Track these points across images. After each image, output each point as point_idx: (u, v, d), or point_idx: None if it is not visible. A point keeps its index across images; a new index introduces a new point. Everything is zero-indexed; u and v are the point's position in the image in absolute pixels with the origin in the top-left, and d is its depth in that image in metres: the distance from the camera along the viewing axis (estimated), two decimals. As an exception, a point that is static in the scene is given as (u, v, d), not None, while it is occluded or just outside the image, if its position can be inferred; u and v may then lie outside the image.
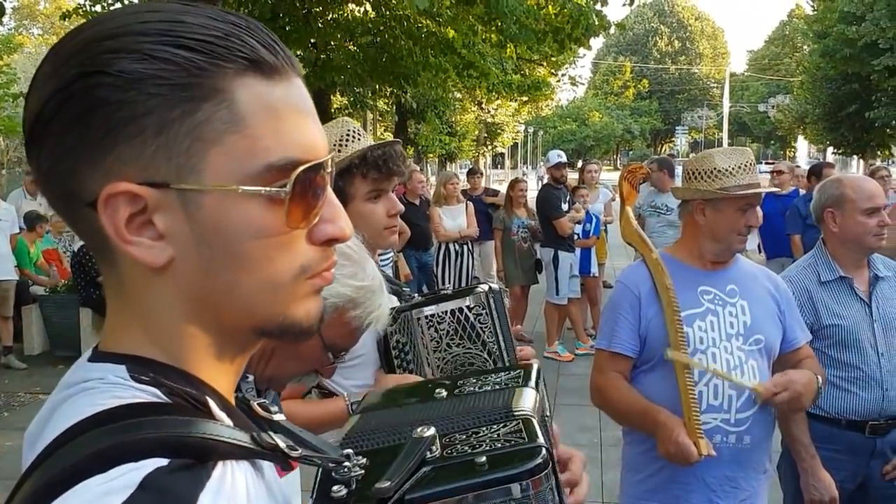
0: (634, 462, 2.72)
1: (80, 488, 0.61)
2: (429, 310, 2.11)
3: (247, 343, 0.80)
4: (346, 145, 2.17)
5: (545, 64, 20.20)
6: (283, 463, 0.81)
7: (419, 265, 8.86)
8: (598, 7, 11.43)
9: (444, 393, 1.30)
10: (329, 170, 0.76)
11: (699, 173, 2.62)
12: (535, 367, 1.43)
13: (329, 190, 0.77)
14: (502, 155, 59.15)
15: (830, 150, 40.20)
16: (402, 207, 2.29)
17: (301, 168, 0.71)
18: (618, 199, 2.74)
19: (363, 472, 0.98)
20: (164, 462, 0.64)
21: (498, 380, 1.36)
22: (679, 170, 7.70)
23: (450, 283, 8.78)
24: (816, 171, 8.63)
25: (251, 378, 0.95)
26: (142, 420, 0.67)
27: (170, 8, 0.71)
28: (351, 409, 2.06)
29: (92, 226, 0.71)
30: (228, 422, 0.75)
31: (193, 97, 0.68)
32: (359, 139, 2.20)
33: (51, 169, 0.71)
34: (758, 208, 2.63)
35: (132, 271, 0.73)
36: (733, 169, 2.57)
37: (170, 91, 0.67)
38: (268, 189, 0.70)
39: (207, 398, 0.75)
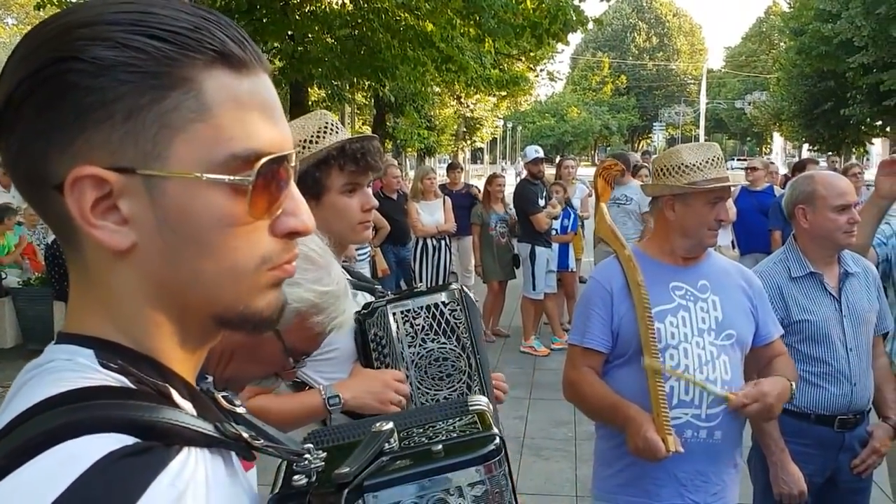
0: (606, 456, 2.74)
1: (46, 456, 0.63)
2: (403, 305, 2.12)
3: (208, 333, 0.81)
4: (324, 137, 2.15)
5: (524, 59, 20.26)
6: (246, 453, 0.83)
7: (397, 260, 8.85)
8: (575, 2, 11.47)
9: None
10: (293, 164, 0.78)
11: (667, 169, 2.63)
12: (488, 412, 1.34)
13: (293, 184, 0.78)
14: (481, 150, 59.23)
15: (806, 146, 40.62)
16: (376, 203, 2.28)
17: (265, 159, 0.73)
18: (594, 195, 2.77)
19: (323, 464, 1.00)
20: (130, 441, 0.66)
21: (451, 426, 1.27)
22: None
23: (427, 277, 8.77)
24: (800, 168, 8.70)
25: (210, 379, 0.95)
26: (106, 402, 0.68)
27: (143, 0, 0.73)
28: (328, 403, 2.06)
29: (58, 209, 0.72)
30: (192, 411, 0.76)
31: (162, 85, 0.70)
32: (336, 132, 2.19)
33: (20, 152, 0.72)
34: (729, 203, 2.65)
35: (96, 255, 0.74)
36: (701, 164, 2.59)
37: (140, 79, 0.69)
38: (231, 178, 0.72)
39: (170, 387, 0.76)
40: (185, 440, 0.71)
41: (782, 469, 2.87)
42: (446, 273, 8.95)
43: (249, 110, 0.74)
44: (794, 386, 2.59)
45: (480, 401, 1.26)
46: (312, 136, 2.14)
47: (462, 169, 12.89)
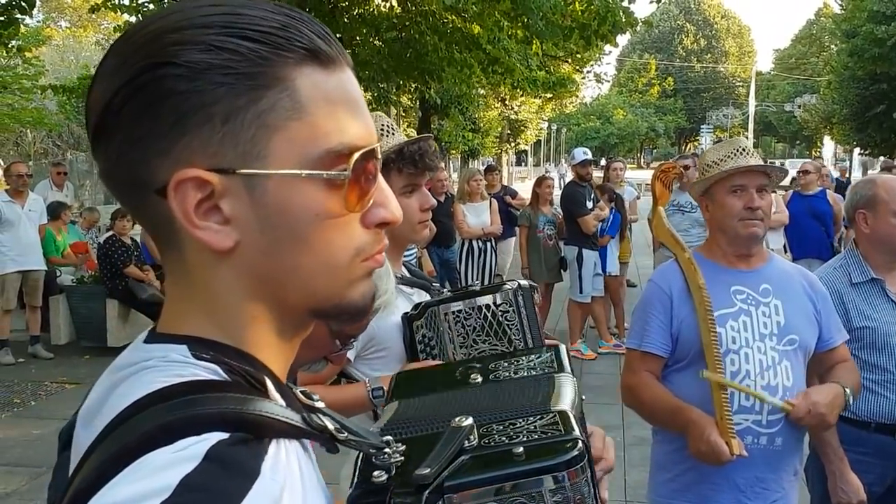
0: (663, 461, 2.71)
1: (146, 459, 0.64)
2: (456, 305, 2.13)
3: (302, 324, 0.83)
4: (381, 139, 2.18)
5: (570, 61, 20.12)
6: (331, 445, 0.84)
7: (441, 261, 8.86)
8: (625, 4, 11.37)
9: (480, 378, 1.32)
10: (379, 157, 0.79)
11: (699, 171, 2.69)
12: (563, 348, 1.46)
13: (380, 176, 0.80)
14: (525, 152, 59.04)
15: (857, 150, 39.80)
16: (434, 202, 2.31)
17: (359, 153, 0.75)
18: (643, 197, 2.77)
19: (403, 458, 1.00)
20: (225, 435, 0.66)
21: (531, 363, 1.38)
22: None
23: (472, 279, 8.76)
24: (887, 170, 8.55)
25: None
26: (203, 396, 0.69)
27: (229, 2, 0.74)
28: (371, 395, 2.09)
29: (158, 213, 0.74)
30: (282, 402, 0.77)
31: (258, 86, 0.71)
32: (393, 134, 2.22)
33: (120, 158, 0.74)
34: (781, 205, 2.64)
35: (197, 256, 0.76)
36: (721, 158, 2.61)
37: (236, 80, 0.71)
38: (329, 173, 0.74)
39: (265, 377, 0.77)
40: (276, 432, 0.72)
41: (841, 478, 2.81)
42: (491, 275, 8.94)
43: (339, 105, 0.75)
44: (848, 392, 2.53)
45: (565, 399, 1.24)
46: None
47: (499, 171, 12.86)
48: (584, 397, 1.33)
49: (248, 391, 0.74)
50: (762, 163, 2.59)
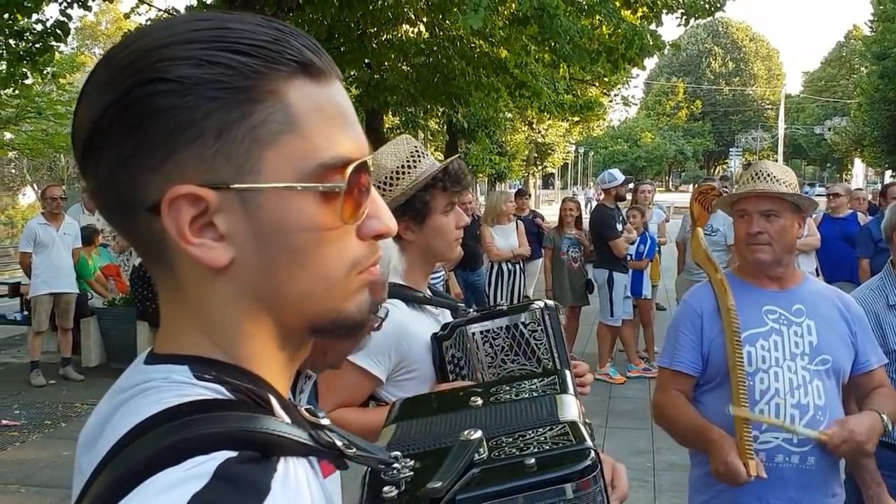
0: (699, 483, 2.69)
1: (155, 479, 0.63)
2: (483, 325, 2.11)
3: (301, 343, 0.82)
4: (419, 161, 2.20)
5: (597, 84, 20.13)
6: (339, 461, 0.83)
7: (466, 284, 8.83)
8: (652, 27, 11.37)
9: (479, 401, 1.31)
10: (371, 169, 0.79)
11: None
12: (568, 374, 1.44)
13: (373, 188, 0.79)
14: (552, 175, 59.02)
15: (889, 172, 39.37)
16: (468, 219, 2.33)
17: (353, 165, 0.74)
18: (672, 219, 2.78)
19: (412, 473, 0.99)
20: (233, 454, 0.66)
21: (533, 386, 1.36)
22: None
23: (500, 300, 8.73)
24: (885, 191, 8.46)
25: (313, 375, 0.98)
26: (209, 416, 0.68)
27: (216, 16, 0.73)
28: None
29: (149, 231, 0.73)
30: (287, 419, 0.77)
31: (250, 99, 0.70)
32: (425, 155, 2.25)
33: (108, 176, 0.72)
34: (812, 228, 2.63)
35: (191, 274, 0.74)
36: (740, 184, 2.63)
37: (228, 94, 0.69)
38: (325, 185, 0.73)
39: (269, 395, 0.76)
40: (283, 450, 0.71)
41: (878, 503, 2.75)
42: (520, 297, 8.90)
43: (331, 118, 0.75)
44: (886, 420, 2.48)
45: (569, 413, 1.22)
46: (408, 161, 2.19)
47: (529, 195, 12.85)
48: (588, 422, 1.30)
49: (254, 410, 0.73)
50: (768, 187, 2.54)
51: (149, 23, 11.00)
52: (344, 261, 0.76)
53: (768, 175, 2.58)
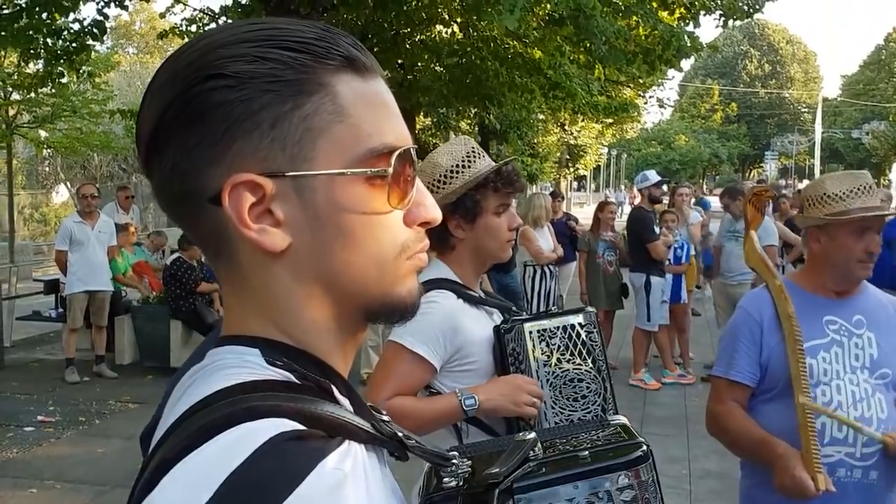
0: (752, 494, 2.62)
1: (226, 434, 0.66)
2: (540, 324, 2.17)
3: (358, 327, 0.85)
4: (474, 161, 2.24)
5: (632, 86, 19.98)
6: (401, 452, 0.87)
7: (499, 287, 8.77)
8: (689, 28, 11.24)
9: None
10: (415, 158, 0.83)
11: (811, 200, 2.55)
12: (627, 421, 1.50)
13: (418, 178, 0.84)
14: (584, 177, 58.78)
15: (929, 177, 38.70)
16: (521, 221, 2.37)
17: (398, 151, 0.79)
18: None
19: (470, 470, 1.03)
20: (302, 427, 0.69)
21: (596, 437, 1.36)
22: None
23: (538, 304, 8.66)
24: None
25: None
26: (279, 394, 0.72)
27: (268, 20, 0.80)
28: (464, 404, 2.10)
29: (211, 221, 0.78)
30: (350, 407, 0.81)
31: (302, 91, 0.76)
32: (482, 156, 2.28)
33: (173, 170, 0.77)
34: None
35: (252, 260, 0.79)
36: (844, 193, 2.48)
37: (281, 87, 0.75)
38: (374, 170, 0.78)
39: (332, 384, 0.80)
40: (347, 433, 0.74)
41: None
42: (554, 299, 8.83)
43: (376, 108, 0.80)
44: None
45: (621, 418, 1.30)
46: (463, 161, 2.23)
47: (563, 197, 12.78)
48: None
49: (319, 395, 0.77)
50: (886, 203, 2.48)
51: (184, 22, 11.28)
52: (394, 244, 0.80)
53: (874, 189, 2.53)
